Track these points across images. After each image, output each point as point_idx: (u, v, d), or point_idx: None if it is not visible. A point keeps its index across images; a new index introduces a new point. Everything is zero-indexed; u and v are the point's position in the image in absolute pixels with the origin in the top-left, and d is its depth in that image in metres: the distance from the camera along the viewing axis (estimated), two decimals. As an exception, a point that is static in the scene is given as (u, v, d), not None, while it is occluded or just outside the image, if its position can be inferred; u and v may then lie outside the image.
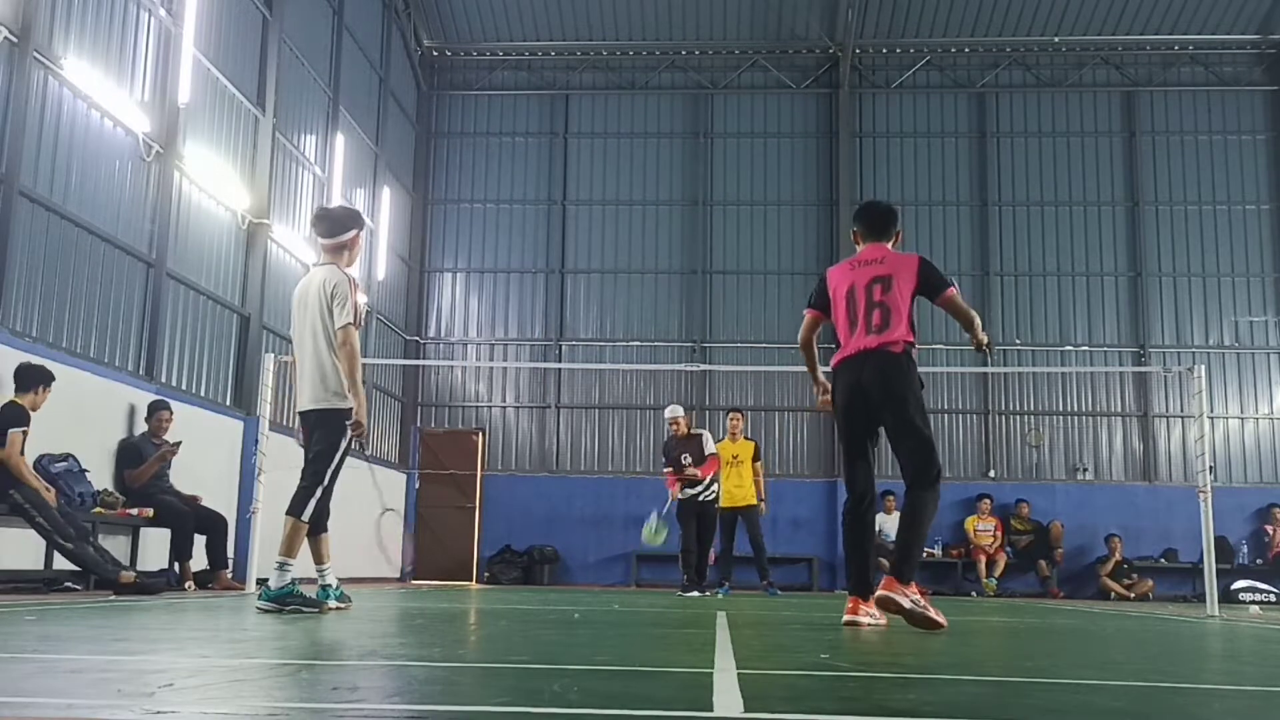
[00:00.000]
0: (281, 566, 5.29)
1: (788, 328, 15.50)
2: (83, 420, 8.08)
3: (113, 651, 3.06)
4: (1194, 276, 15.89)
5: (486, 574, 15.31)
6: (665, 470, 10.73)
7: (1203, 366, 9.00)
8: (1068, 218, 16.15)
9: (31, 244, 7.90)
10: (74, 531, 6.99)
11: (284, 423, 10.55)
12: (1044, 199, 16.23)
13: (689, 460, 10.55)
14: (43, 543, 7.13)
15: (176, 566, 8.69)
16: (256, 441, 9.08)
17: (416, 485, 15.89)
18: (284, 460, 8.05)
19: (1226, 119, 16.22)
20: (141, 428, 8.72)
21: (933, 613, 4.54)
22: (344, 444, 5.49)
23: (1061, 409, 15.76)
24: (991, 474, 15.50)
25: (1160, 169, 16.22)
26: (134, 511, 8.14)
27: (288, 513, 5.39)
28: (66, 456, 7.63)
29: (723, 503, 10.89)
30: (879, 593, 4.57)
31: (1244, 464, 15.44)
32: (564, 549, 15.45)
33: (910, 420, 4.82)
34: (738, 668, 2.80)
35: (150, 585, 7.32)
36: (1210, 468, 8.56)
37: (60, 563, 7.28)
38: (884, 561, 11.93)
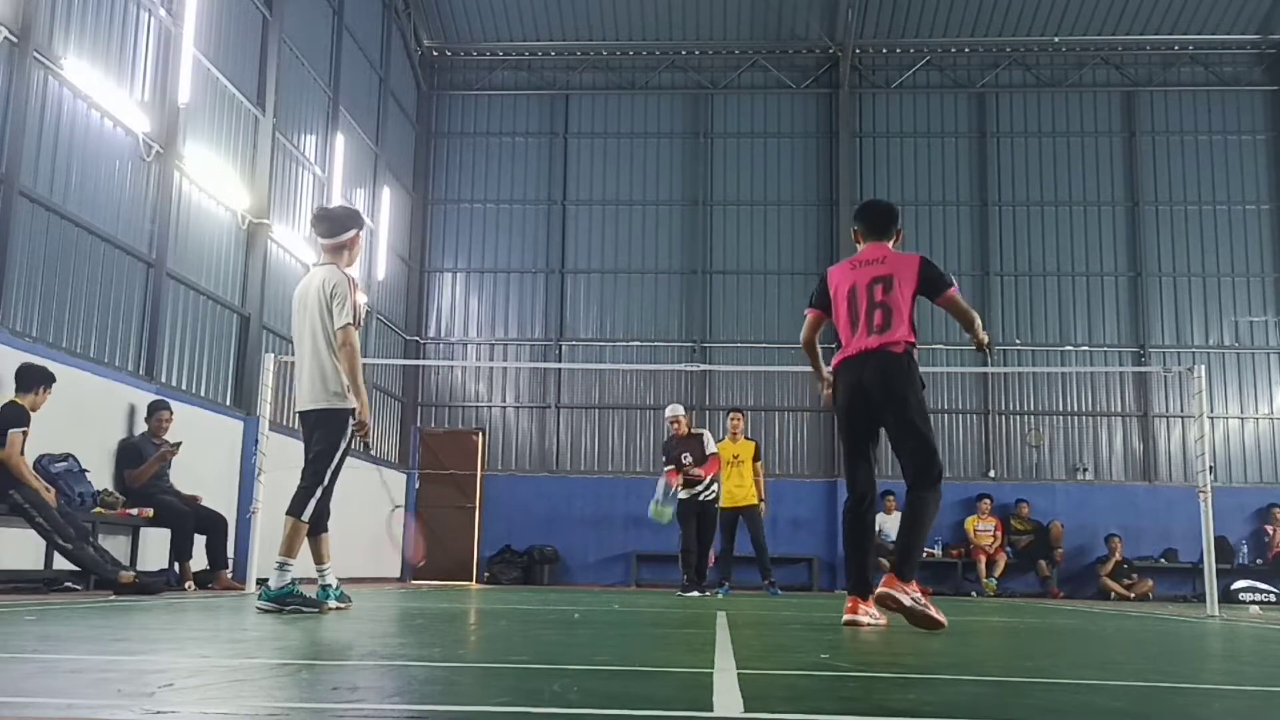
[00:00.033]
0: (281, 566, 5.29)
1: (788, 328, 15.51)
2: (83, 420, 8.08)
3: (113, 651, 3.06)
4: (1194, 276, 15.89)
5: (486, 574, 15.31)
6: (666, 470, 10.71)
7: (1203, 366, 9.00)
8: (1068, 218, 16.16)
9: (31, 244, 7.90)
10: (74, 532, 6.99)
11: (284, 423, 10.55)
12: (1044, 199, 16.24)
13: (689, 460, 10.55)
14: (43, 543, 7.13)
15: (176, 566, 8.69)
16: (256, 441, 9.08)
17: (416, 485, 15.89)
18: (284, 460, 8.05)
19: (1226, 119, 16.22)
20: (141, 428, 8.72)
21: (933, 611, 4.53)
22: (344, 444, 5.49)
23: (1061, 409, 15.76)
24: (991, 474, 15.50)
25: (1160, 169, 16.22)
26: (134, 511, 8.14)
27: (288, 513, 5.39)
28: (66, 456, 7.63)
29: (723, 503, 10.89)
30: (879, 589, 4.56)
31: (1244, 464, 15.44)
32: (564, 549, 15.45)
33: (911, 421, 4.82)
34: (738, 668, 2.80)
35: (150, 585, 7.32)
36: (1210, 468, 8.57)
37: (60, 563, 7.28)
38: (884, 561, 11.93)
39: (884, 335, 4.86)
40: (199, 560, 8.79)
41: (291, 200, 12.47)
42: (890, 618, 4.88)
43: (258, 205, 11.34)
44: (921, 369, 5.00)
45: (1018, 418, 15.78)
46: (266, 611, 5.13)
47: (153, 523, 8.40)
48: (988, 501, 14.75)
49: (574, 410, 16.16)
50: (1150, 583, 14.30)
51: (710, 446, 10.68)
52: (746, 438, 11.36)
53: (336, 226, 5.69)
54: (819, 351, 5.44)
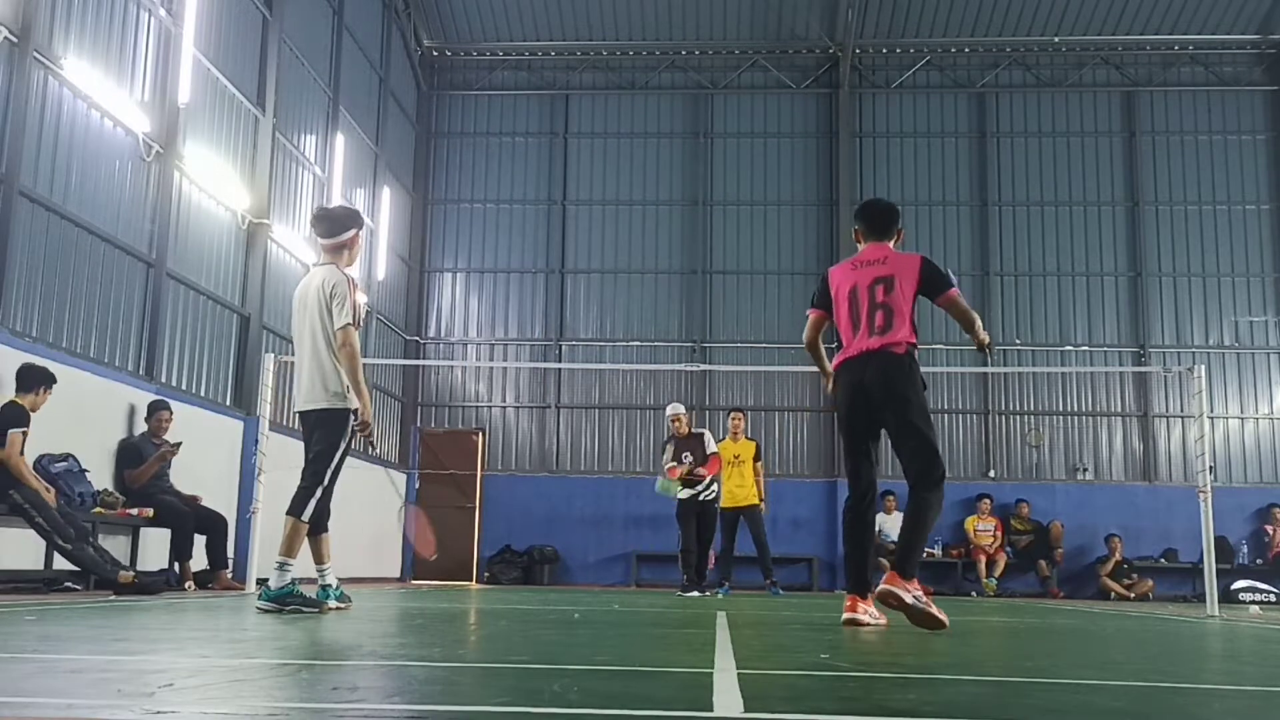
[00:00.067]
0: (281, 566, 5.29)
1: (788, 328, 15.52)
2: (83, 420, 8.08)
3: (113, 651, 3.06)
4: (1194, 276, 15.89)
5: (486, 574, 15.31)
6: (668, 467, 10.68)
7: (1203, 366, 9.00)
8: (1068, 218, 16.16)
9: (31, 244, 7.90)
10: (73, 532, 6.99)
11: (284, 423, 10.54)
12: (1044, 199, 16.24)
13: (690, 460, 10.54)
14: (43, 543, 7.13)
15: (176, 566, 8.69)
16: (256, 441, 9.08)
17: (416, 485, 15.90)
18: (284, 460, 8.05)
19: (1226, 119, 16.22)
20: (141, 428, 8.72)
21: (935, 610, 4.49)
22: (344, 444, 5.49)
23: (1061, 409, 15.77)
24: (991, 474, 15.51)
25: (1160, 169, 16.22)
26: (134, 511, 8.14)
27: (288, 513, 5.39)
28: (66, 456, 7.63)
29: (724, 503, 10.89)
30: (881, 587, 4.53)
31: (1244, 464, 15.44)
32: (564, 549, 15.46)
33: (912, 421, 4.81)
34: (738, 668, 2.80)
35: (150, 585, 7.32)
36: (1210, 468, 8.56)
37: (60, 563, 7.28)
38: (883, 561, 11.93)
39: (885, 336, 4.85)
40: (199, 560, 8.79)
41: (291, 200, 12.47)
42: (891, 617, 4.87)
43: (258, 205, 11.34)
44: (922, 369, 5.00)
45: (1018, 418, 15.79)
46: (266, 611, 5.13)
47: (153, 523, 8.40)
48: (988, 501, 14.75)
49: (574, 410, 16.16)
50: (1150, 583, 14.30)
51: (711, 446, 10.68)
52: (747, 437, 11.36)
53: (336, 226, 5.69)
54: (823, 351, 5.43)
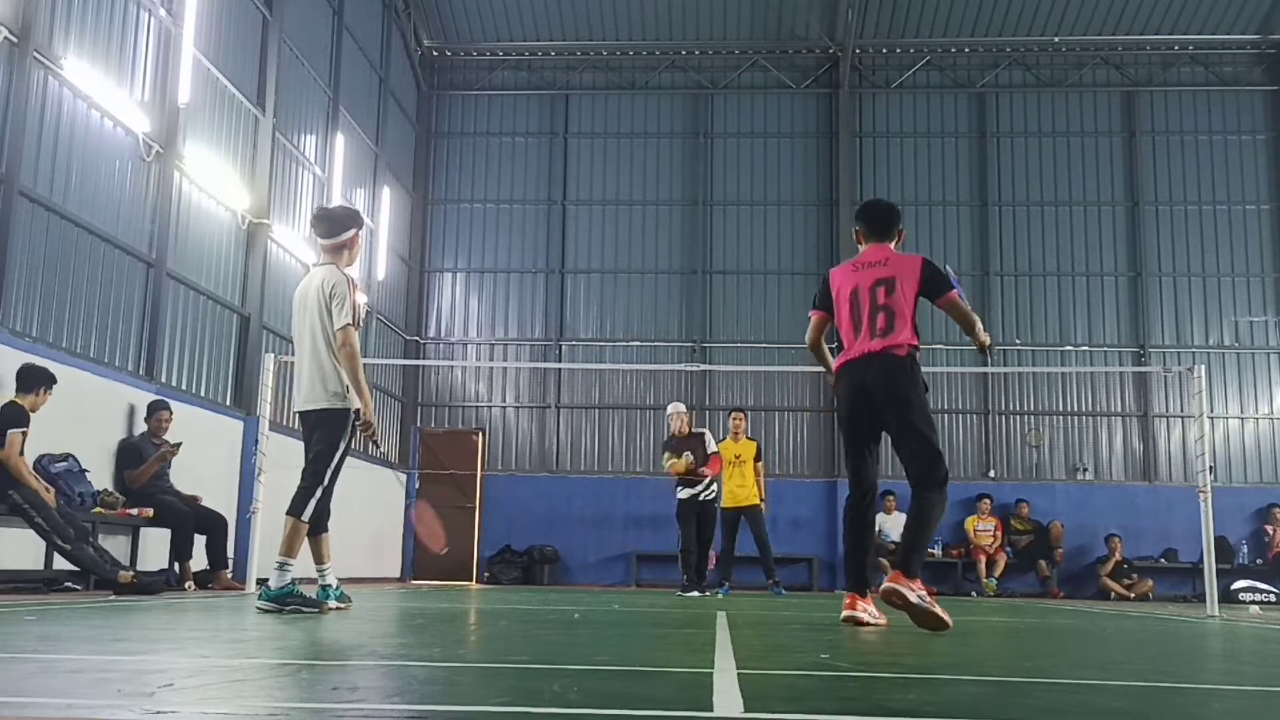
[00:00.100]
0: (281, 566, 5.29)
1: (788, 328, 15.52)
2: (83, 420, 8.08)
3: (113, 651, 3.06)
4: (1194, 276, 15.90)
5: (486, 574, 15.32)
6: (669, 463, 10.64)
7: (1203, 366, 9.00)
8: (1068, 218, 16.16)
9: (31, 244, 7.90)
10: (73, 532, 6.99)
11: (284, 423, 10.54)
12: (1044, 199, 16.24)
13: (691, 459, 10.53)
14: (43, 543, 7.13)
15: (176, 566, 8.69)
16: (256, 441, 9.08)
17: (416, 485, 15.90)
18: (284, 460, 8.05)
19: (1226, 119, 16.22)
20: (141, 428, 8.72)
21: (938, 610, 4.45)
22: (343, 444, 5.49)
23: (1061, 409, 15.77)
24: (991, 474, 15.51)
25: (1160, 169, 16.22)
26: (134, 511, 8.14)
27: (288, 513, 5.39)
28: (66, 456, 7.63)
29: (725, 503, 10.88)
30: (885, 585, 4.50)
31: (1244, 464, 15.44)
32: (564, 549, 15.46)
33: (914, 423, 4.80)
34: (738, 668, 2.80)
35: (150, 585, 7.32)
36: (1210, 468, 8.56)
37: (60, 563, 7.28)
38: (883, 561, 11.94)
39: (887, 338, 4.84)
40: (199, 560, 8.79)
41: (291, 200, 12.47)
42: (891, 616, 4.87)
43: (258, 205, 11.34)
44: (922, 369, 5.00)
45: (1018, 418, 15.79)
46: (266, 611, 5.13)
47: (153, 523, 8.40)
48: (988, 501, 14.75)
49: (574, 410, 16.16)
50: (1150, 583, 14.30)
51: (711, 446, 10.68)
52: (748, 437, 11.35)
53: (336, 226, 5.69)
54: (826, 350, 5.41)
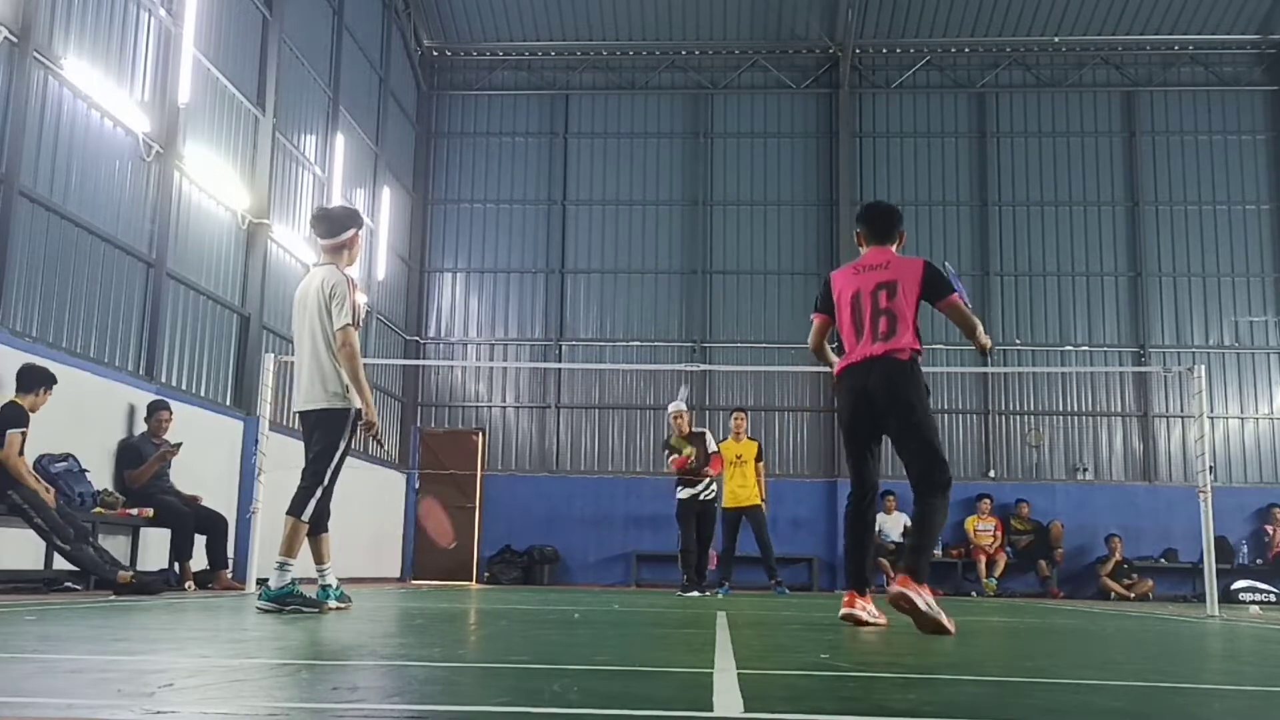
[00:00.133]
0: (281, 566, 5.29)
1: (788, 328, 15.51)
2: (83, 420, 8.08)
3: (113, 651, 3.06)
4: (1194, 276, 15.90)
5: (486, 574, 15.32)
6: (671, 460, 10.64)
7: (1203, 366, 9.00)
8: (1068, 218, 16.16)
9: (31, 244, 7.90)
10: (73, 532, 6.99)
11: (284, 423, 10.54)
12: (1044, 199, 16.24)
13: (692, 458, 10.52)
14: (43, 543, 7.13)
15: (176, 566, 8.69)
16: (256, 441, 9.08)
17: (416, 485, 15.90)
18: (284, 460, 8.05)
19: (1226, 119, 16.23)
20: (141, 428, 8.72)
21: (944, 619, 4.42)
22: (343, 444, 5.49)
23: (1061, 409, 15.77)
24: (991, 474, 15.51)
25: (1160, 169, 16.23)
26: (134, 511, 8.15)
27: (288, 513, 5.39)
28: (66, 456, 7.63)
29: (726, 503, 10.87)
30: (894, 588, 4.46)
31: (1244, 464, 15.44)
32: (564, 549, 15.46)
33: (915, 426, 4.79)
34: (738, 668, 2.80)
35: (150, 585, 7.32)
36: (1210, 468, 8.56)
37: (60, 563, 7.28)
38: (883, 561, 11.95)
39: (889, 342, 4.82)
40: (199, 560, 8.79)
41: (291, 200, 12.47)
42: (891, 617, 4.87)
43: (258, 205, 11.34)
44: (922, 370, 4.99)
45: (1018, 418, 15.79)
46: (266, 611, 5.13)
47: (153, 523, 8.40)
48: (988, 501, 14.75)
49: (574, 410, 16.16)
50: (1150, 583, 14.29)
51: (712, 446, 10.67)
52: (749, 437, 11.33)
53: (336, 226, 5.69)
54: (829, 350, 5.40)
